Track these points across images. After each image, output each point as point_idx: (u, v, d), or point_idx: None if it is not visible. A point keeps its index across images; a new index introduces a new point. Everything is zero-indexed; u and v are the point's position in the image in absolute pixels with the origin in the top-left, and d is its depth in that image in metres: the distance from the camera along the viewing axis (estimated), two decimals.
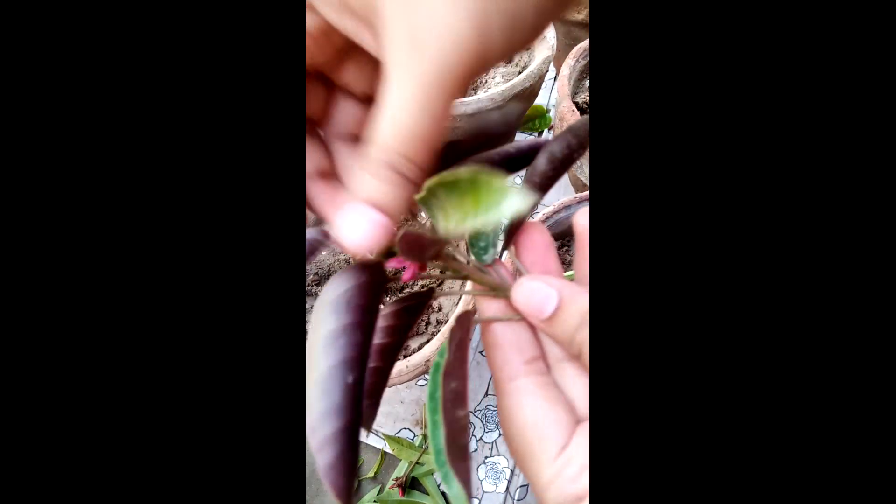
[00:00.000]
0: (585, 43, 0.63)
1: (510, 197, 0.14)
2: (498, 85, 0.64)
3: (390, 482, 0.55)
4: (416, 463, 0.55)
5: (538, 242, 0.21)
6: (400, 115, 0.17)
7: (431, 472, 0.55)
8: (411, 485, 0.55)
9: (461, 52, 0.16)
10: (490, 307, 0.21)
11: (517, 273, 0.21)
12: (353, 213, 0.17)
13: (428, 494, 0.54)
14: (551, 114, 0.79)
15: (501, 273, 0.21)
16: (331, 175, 0.21)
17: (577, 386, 0.20)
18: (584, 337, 0.18)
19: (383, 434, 0.57)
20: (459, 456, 0.17)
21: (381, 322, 0.20)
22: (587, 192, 0.54)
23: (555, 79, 0.84)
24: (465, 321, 0.19)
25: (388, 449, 0.57)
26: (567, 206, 0.53)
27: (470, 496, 0.17)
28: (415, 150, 0.17)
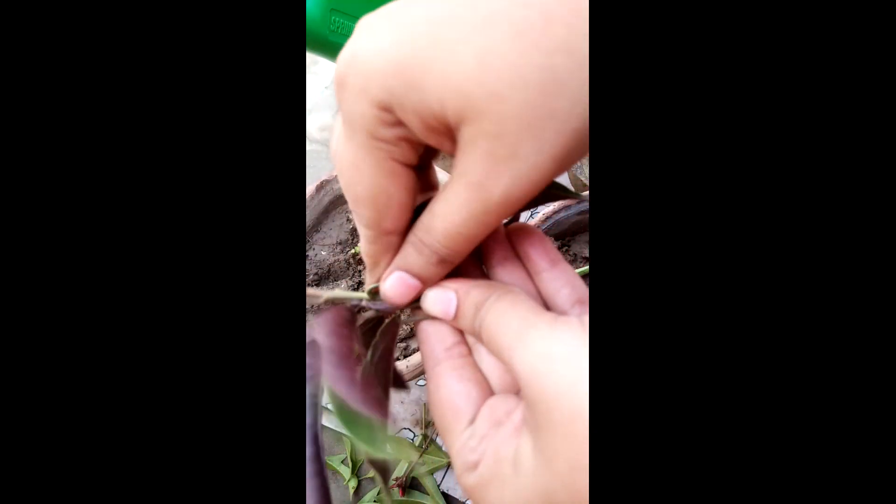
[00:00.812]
0: None
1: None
2: None
3: (390, 482, 0.55)
4: (416, 463, 0.55)
5: None
6: (455, 221, 0.19)
7: (432, 472, 0.55)
8: (411, 484, 0.55)
9: (536, 184, 0.18)
10: (420, 311, 0.24)
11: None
12: (396, 278, 0.22)
13: (428, 494, 0.54)
14: None
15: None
16: None
17: (489, 364, 0.22)
18: (479, 322, 0.21)
19: None
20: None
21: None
22: (587, 193, 0.54)
23: None
24: (390, 332, 0.22)
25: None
26: (567, 207, 0.53)
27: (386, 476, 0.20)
28: (460, 246, 0.20)
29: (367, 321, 0.24)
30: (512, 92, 0.16)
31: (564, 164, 0.18)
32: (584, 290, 0.23)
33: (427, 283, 0.22)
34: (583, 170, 0.57)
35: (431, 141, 0.19)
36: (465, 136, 0.17)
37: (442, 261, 0.21)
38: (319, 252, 0.57)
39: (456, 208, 0.19)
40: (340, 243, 0.57)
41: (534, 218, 0.53)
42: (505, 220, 0.25)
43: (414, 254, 0.21)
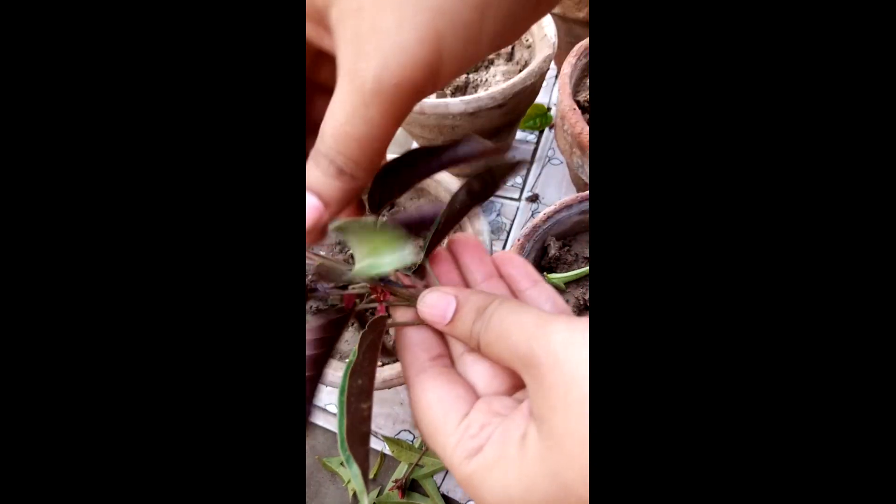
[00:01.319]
0: (586, 41, 0.63)
1: (398, 252, 0.19)
2: (499, 83, 0.64)
3: (390, 484, 0.55)
4: (416, 465, 0.55)
5: (443, 256, 0.26)
6: (339, 118, 0.18)
7: (431, 474, 0.55)
8: (411, 486, 0.55)
9: (405, 66, 0.17)
10: (403, 314, 0.24)
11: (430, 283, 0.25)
12: (307, 202, 0.20)
13: (427, 496, 0.54)
14: (552, 112, 0.79)
15: (432, 280, 0.25)
16: None
17: (477, 370, 0.22)
18: (478, 328, 0.21)
19: (382, 436, 0.56)
20: (359, 442, 0.20)
21: (310, 335, 0.22)
22: (587, 192, 0.54)
23: (556, 77, 0.83)
24: (377, 327, 0.22)
25: (387, 451, 0.56)
26: (568, 206, 0.52)
27: (367, 475, 0.20)
28: (351, 149, 0.19)
29: (333, 310, 0.24)
30: None
31: (435, 47, 0.17)
32: (564, 307, 0.24)
33: (328, 199, 0.20)
34: (584, 169, 0.56)
35: (311, 31, 0.18)
36: (333, 19, 0.17)
37: (340, 172, 0.19)
38: (318, 252, 0.57)
39: (339, 105, 0.18)
40: (339, 243, 0.57)
41: (535, 217, 0.53)
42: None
43: (313, 168, 0.20)
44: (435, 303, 0.22)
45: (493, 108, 0.56)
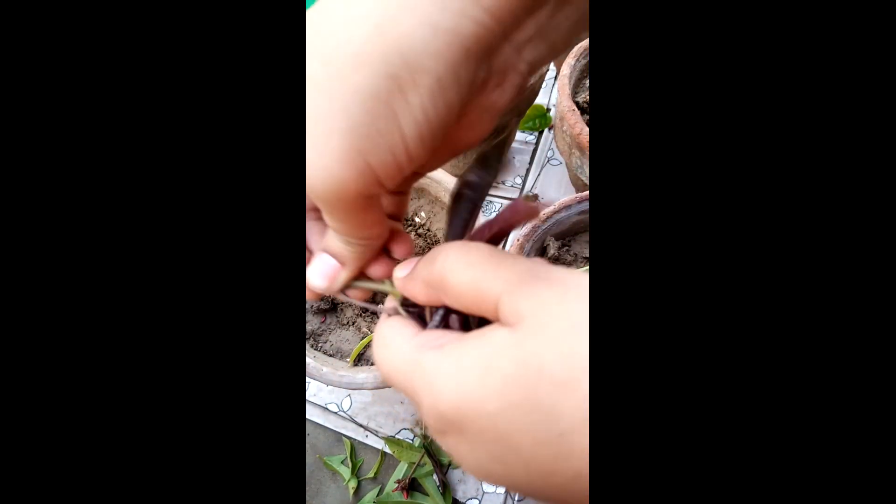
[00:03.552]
0: (586, 42, 0.63)
1: None
2: None
3: (392, 485, 0.55)
4: (417, 464, 0.55)
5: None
6: (326, 217, 0.21)
7: (431, 473, 0.55)
8: (410, 485, 0.55)
9: (334, 186, 0.18)
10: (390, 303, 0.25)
11: None
12: (320, 261, 0.23)
13: (427, 495, 0.54)
14: (552, 113, 0.79)
15: None
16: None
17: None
18: (441, 262, 0.20)
19: (382, 436, 0.56)
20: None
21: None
22: (587, 192, 0.54)
23: (555, 78, 0.83)
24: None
25: (387, 450, 0.56)
26: (567, 206, 0.52)
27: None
28: (348, 234, 0.21)
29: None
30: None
31: (359, 161, 0.18)
32: None
33: (345, 263, 0.23)
34: (583, 169, 0.56)
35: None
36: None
37: (351, 245, 0.23)
38: None
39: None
40: None
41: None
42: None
43: (332, 235, 0.22)
44: (406, 265, 0.23)
45: None
